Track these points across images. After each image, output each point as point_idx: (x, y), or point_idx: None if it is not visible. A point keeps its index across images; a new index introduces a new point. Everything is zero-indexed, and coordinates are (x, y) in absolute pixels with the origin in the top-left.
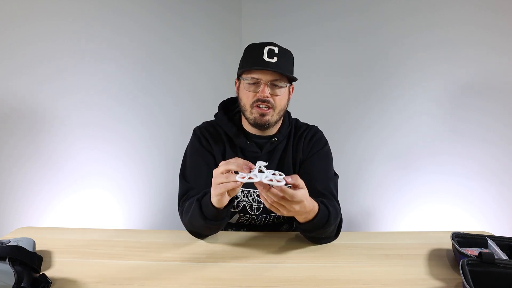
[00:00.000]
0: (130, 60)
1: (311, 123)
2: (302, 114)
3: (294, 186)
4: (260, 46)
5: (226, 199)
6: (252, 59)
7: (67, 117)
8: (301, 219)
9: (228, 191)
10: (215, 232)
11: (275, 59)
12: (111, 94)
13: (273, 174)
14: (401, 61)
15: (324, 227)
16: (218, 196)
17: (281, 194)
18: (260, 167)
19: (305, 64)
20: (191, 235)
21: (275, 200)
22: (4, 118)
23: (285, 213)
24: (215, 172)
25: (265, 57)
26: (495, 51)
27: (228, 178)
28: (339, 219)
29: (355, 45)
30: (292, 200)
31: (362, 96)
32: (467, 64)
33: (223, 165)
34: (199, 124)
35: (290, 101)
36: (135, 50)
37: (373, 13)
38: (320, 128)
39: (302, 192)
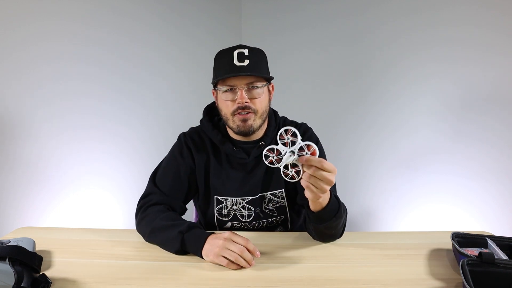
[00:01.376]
0: (131, 60)
1: (310, 124)
2: (303, 114)
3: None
4: (229, 52)
5: None
6: (223, 66)
7: (67, 117)
8: (317, 205)
9: None
10: None
11: (246, 61)
12: (111, 94)
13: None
14: (401, 61)
15: (336, 216)
16: (211, 261)
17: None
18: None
19: (305, 64)
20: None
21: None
22: (3, 119)
23: (325, 186)
24: (224, 245)
25: (235, 62)
26: (495, 51)
27: (236, 261)
28: (346, 214)
29: (355, 45)
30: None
31: (362, 96)
32: (467, 64)
33: (236, 248)
34: (198, 124)
35: (290, 101)
36: (136, 50)
37: (373, 13)
38: (320, 128)
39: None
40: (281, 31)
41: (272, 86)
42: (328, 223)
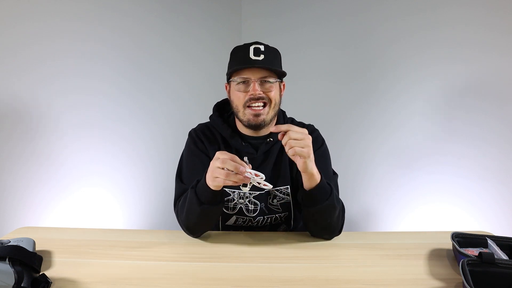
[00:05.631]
0: (130, 61)
1: (312, 123)
2: (302, 114)
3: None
4: (245, 46)
5: (221, 186)
6: (239, 59)
7: (67, 117)
8: (312, 181)
9: None
10: (210, 223)
11: (262, 56)
12: (111, 94)
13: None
14: (401, 61)
15: (329, 200)
16: (215, 187)
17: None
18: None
19: (305, 64)
20: (189, 235)
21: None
22: (3, 118)
23: (304, 149)
24: (213, 165)
25: (251, 55)
26: (493, 51)
27: (228, 177)
28: (341, 207)
29: (355, 45)
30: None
31: (362, 96)
32: (466, 64)
33: (220, 161)
34: (198, 124)
35: (291, 101)
36: (135, 50)
37: (373, 13)
38: (320, 128)
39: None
40: (281, 31)
41: (284, 85)
42: (321, 206)
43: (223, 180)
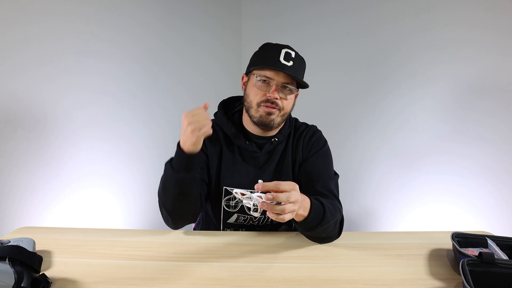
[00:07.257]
0: (130, 61)
1: (312, 123)
2: (303, 113)
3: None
4: (277, 47)
5: (197, 146)
6: (267, 58)
7: (67, 117)
8: (299, 216)
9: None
10: (187, 200)
11: (291, 62)
12: (111, 94)
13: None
14: (402, 61)
15: (321, 224)
16: (192, 145)
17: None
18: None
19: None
20: (170, 227)
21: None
22: (4, 118)
23: (289, 216)
24: (183, 128)
25: (281, 59)
26: (496, 51)
27: (198, 125)
28: (338, 216)
29: (355, 45)
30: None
31: (362, 96)
32: (468, 64)
33: (185, 120)
34: None
35: None
36: (136, 51)
37: (374, 13)
38: (321, 128)
39: (289, 194)
40: (281, 31)
41: (297, 94)
42: (314, 230)
43: (195, 132)
